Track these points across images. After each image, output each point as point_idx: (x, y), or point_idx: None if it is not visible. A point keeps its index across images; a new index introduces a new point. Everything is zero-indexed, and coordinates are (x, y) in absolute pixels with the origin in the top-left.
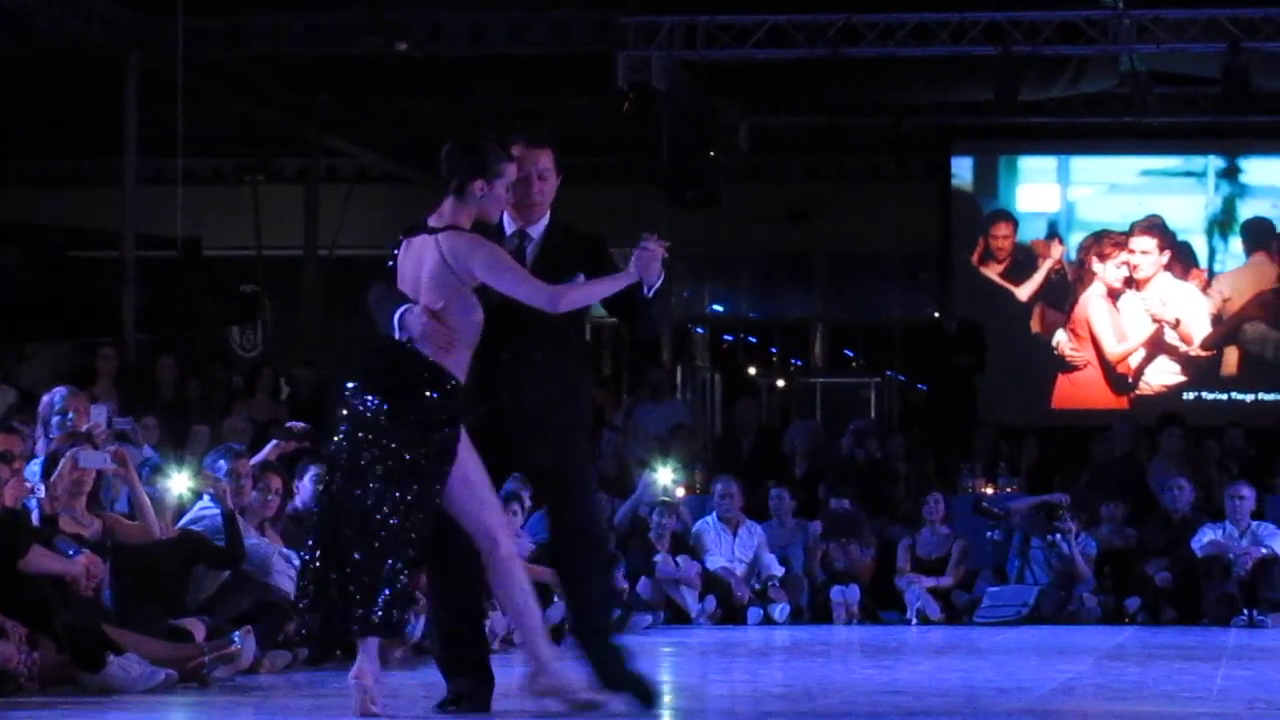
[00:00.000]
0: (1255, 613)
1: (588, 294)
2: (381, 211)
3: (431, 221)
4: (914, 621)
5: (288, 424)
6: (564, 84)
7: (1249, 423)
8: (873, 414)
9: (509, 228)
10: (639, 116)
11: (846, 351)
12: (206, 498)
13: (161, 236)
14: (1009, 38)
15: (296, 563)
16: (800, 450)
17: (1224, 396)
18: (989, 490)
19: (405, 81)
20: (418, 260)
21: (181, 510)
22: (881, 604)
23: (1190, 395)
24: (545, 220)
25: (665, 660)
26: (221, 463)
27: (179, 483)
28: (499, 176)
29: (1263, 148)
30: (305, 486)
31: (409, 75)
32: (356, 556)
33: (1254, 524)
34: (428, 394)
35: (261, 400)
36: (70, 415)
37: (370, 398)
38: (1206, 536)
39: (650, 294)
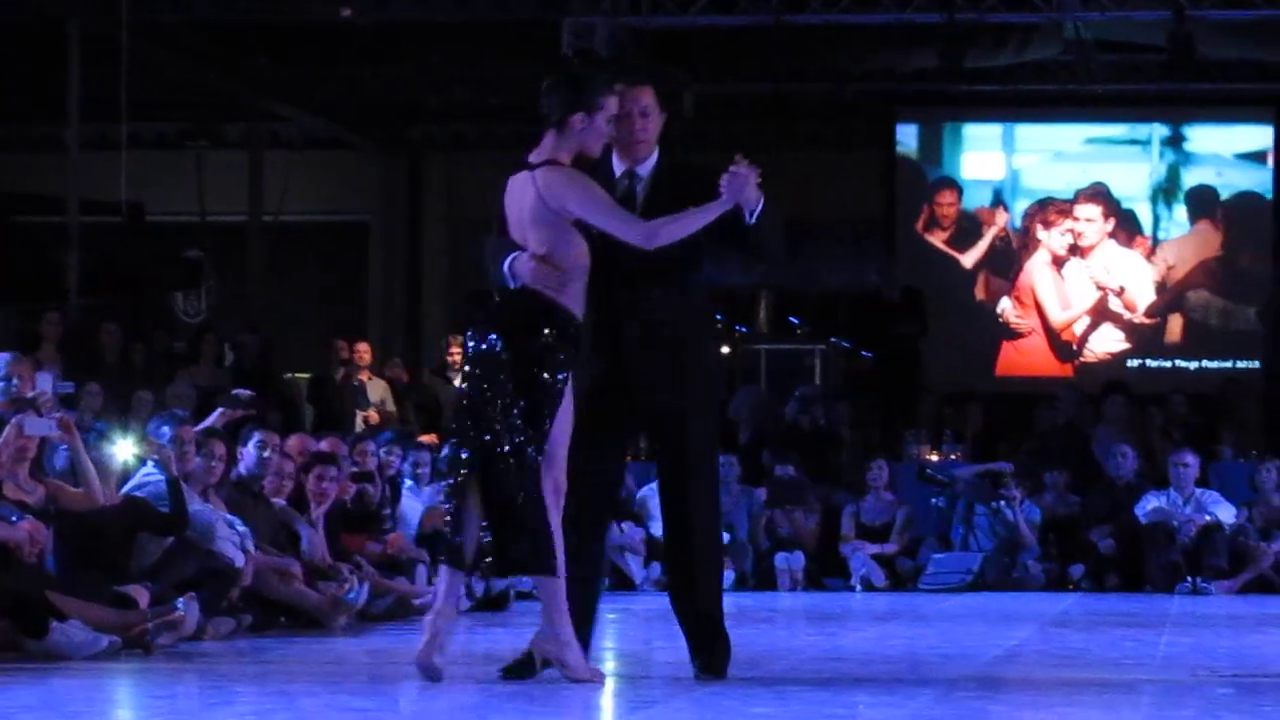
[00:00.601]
0: (1199, 580)
1: (684, 226)
2: (326, 177)
3: (531, 158)
4: (858, 588)
5: (234, 391)
6: (509, 50)
7: (1193, 390)
8: (817, 381)
9: (617, 169)
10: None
11: (791, 318)
12: (151, 464)
13: (105, 202)
14: (954, 5)
15: (240, 529)
16: (745, 417)
17: (1168, 364)
18: (933, 457)
19: (350, 47)
20: (519, 198)
21: (125, 476)
22: (826, 571)
23: (1134, 363)
24: (653, 159)
25: (610, 627)
26: (165, 429)
27: (123, 449)
28: (599, 110)
29: (1207, 116)
30: (249, 453)
31: (354, 41)
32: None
33: (1198, 491)
34: (546, 330)
35: (205, 366)
36: (15, 381)
37: (490, 337)
38: (1150, 504)
39: (753, 220)
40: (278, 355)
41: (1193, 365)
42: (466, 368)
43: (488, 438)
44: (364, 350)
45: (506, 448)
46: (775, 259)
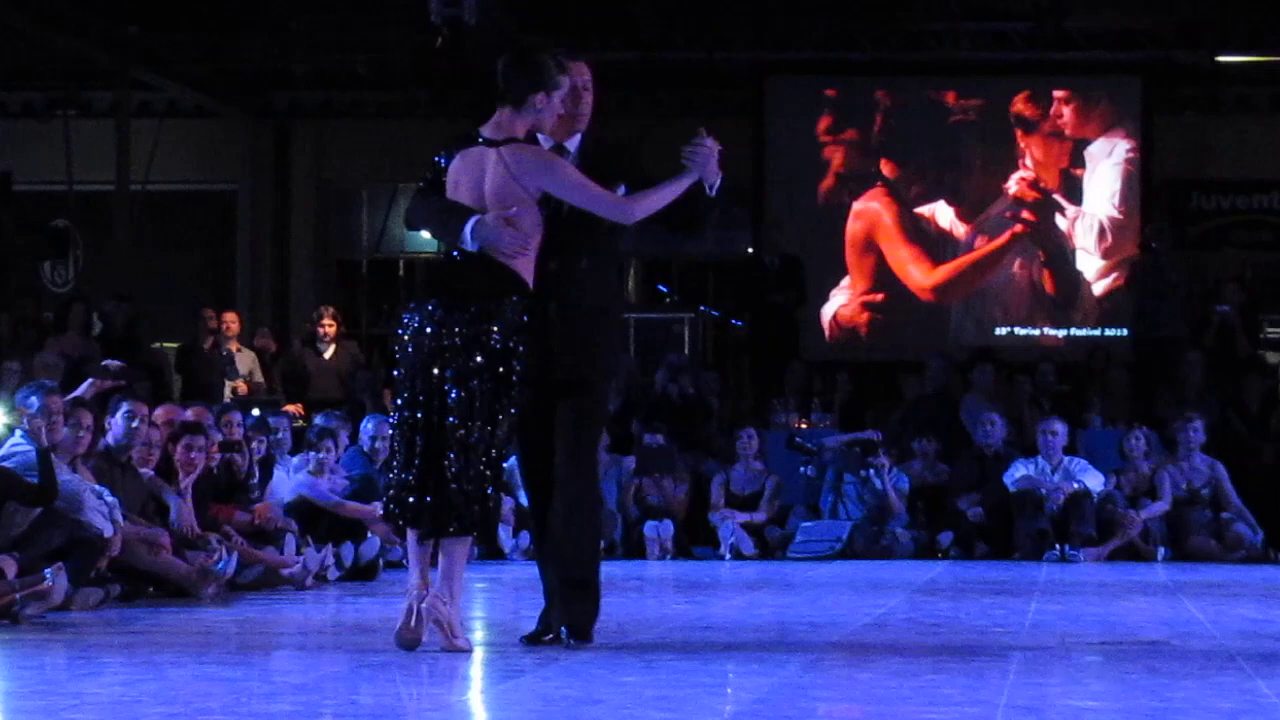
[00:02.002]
0: (1067, 548)
1: (657, 199)
2: (193, 146)
3: (486, 133)
4: (727, 557)
5: (104, 362)
6: (377, 18)
7: (1059, 358)
8: (686, 350)
9: (546, 143)
10: (452, 53)
11: (660, 287)
12: (19, 434)
13: None
14: None
15: (109, 499)
16: (614, 385)
17: (1036, 332)
18: (802, 426)
19: (218, 15)
20: (476, 172)
21: None
22: (695, 539)
23: (1002, 331)
24: (579, 135)
25: (478, 596)
26: (33, 399)
27: None
28: (557, 89)
29: (1074, 84)
30: (117, 423)
31: (222, 8)
32: (450, 459)
33: (1066, 459)
34: (512, 299)
35: (73, 336)
36: None
37: (444, 308)
38: (1019, 472)
39: (714, 193)
40: (145, 324)
41: (1061, 333)
42: (418, 331)
43: (452, 397)
44: (232, 320)
45: (475, 419)
46: (706, 230)
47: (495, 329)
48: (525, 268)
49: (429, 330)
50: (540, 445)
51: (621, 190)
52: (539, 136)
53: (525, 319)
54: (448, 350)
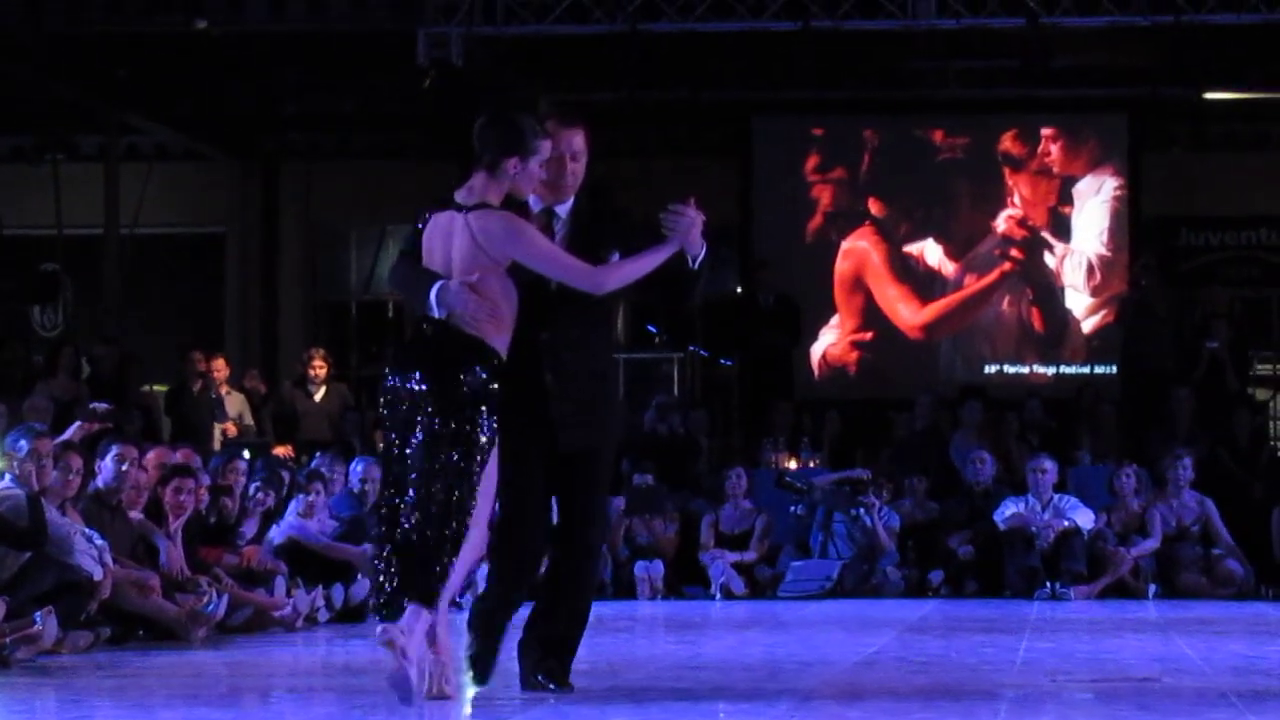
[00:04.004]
0: (1057, 585)
1: (632, 270)
2: (181, 189)
3: (460, 197)
4: (717, 596)
5: (91, 405)
6: (364, 61)
7: (1048, 395)
8: (675, 389)
9: (535, 205)
10: (439, 93)
11: (649, 327)
12: (8, 478)
13: None
14: (808, 12)
15: (98, 542)
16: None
17: (1024, 369)
18: (792, 464)
19: (206, 59)
20: (446, 237)
21: None
22: (685, 579)
23: (991, 368)
24: (571, 198)
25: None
26: (23, 443)
27: None
28: (534, 154)
29: (1060, 120)
30: (107, 466)
31: (209, 52)
32: (407, 527)
33: (1056, 496)
34: (474, 368)
35: (62, 379)
36: None
37: (413, 377)
38: (1009, 509)
39: (696, 266)
40: (135, 368)
41: (1049, 370)
42: (387, 410)
43: (413, 476)
44: (220, 365)
45: (437, 488)
46: (697, 301)
47: (461, 401)
48: (494, 335)
49: (394, 408)
50: (541, 512)
51: (614, 257)
52: (530, 199)
53: (494, 388)
54: (418, 425)
